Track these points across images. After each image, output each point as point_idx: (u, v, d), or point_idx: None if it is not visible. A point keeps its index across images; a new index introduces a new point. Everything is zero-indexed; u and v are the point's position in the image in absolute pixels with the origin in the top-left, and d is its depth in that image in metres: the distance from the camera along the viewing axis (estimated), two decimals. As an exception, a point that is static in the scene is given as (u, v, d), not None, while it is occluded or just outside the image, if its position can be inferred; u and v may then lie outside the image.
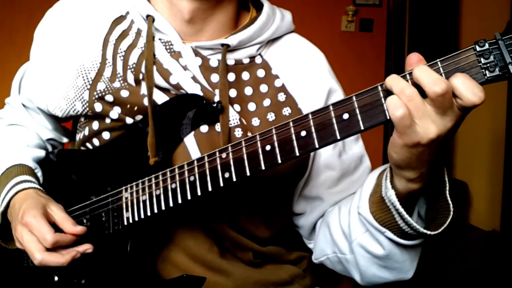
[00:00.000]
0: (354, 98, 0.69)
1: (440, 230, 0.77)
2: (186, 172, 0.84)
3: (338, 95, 1.01)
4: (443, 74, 0.65)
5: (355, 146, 1.02)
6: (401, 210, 0.76)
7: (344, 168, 0.99)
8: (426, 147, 0.66)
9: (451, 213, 0.77)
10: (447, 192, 0.77)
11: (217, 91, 0.92)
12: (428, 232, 0.77)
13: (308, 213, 1.02)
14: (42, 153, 1.08)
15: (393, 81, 0.66)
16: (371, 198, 0.82)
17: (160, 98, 0.94)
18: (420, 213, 0.82)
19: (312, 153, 0.97)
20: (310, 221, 1.02)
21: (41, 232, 0.86)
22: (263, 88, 0.97)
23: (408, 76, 0.66)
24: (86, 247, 0.89)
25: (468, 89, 0.62)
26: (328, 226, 0.96)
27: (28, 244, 0.87)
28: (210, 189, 0.81)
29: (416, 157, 0.68)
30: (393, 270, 0.87)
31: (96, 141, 0.99)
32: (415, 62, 0.66)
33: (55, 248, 0.87)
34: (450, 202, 0.77)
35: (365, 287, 0.95)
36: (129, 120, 0.95)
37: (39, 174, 1.04)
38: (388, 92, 0.67)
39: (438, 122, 0.65)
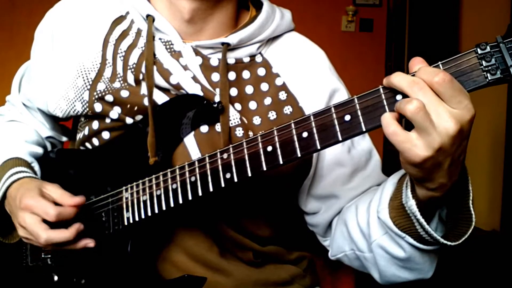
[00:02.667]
0: (356, 100, 0.69)
1: (460, 241, 0.76)
2: (187, 173, 0.84)
3: (341, 93, 1.00)
4: None
5: (363, 141, 1.01)
6: (422, 220, 0.75)
7: (355, 163, 0.99)
8: (436, 158, 0.64)
9: (473, 223, 0.75)
10: (470, 202, 0.76)
11: (217, 90, 0.92)
12: (448, 243, 0.76)
13: (323, 211, 1.01)
14: (39, 150, 1.08)
15: (401, 79, 0.64)
16: (391, 203, 0.81)
17: (160, 98, 0.94)
18: (441, 215, 0.81)
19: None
20: (326, 219, 1.01)
21: (42, 209, 0.87)
22: (264, 86, 0.97)
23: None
24: (88, 241, 0.90)
25: (428, 75, 0.63)
26: (345, 224, 0.95)
27: (31, 226, 0.88)
28: (211, 189, 0.81)
29: (428, 171, 0.67)
30: (413, 271, 0.86)
31: (96, 141, 0.99)
32: (418, 65, 0.66)
33: (58, 226, 0.88)
34: (473, 212, 0.76)
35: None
36: (129, 120, 0.95)
37: (36, 168, 1.04)
38: (390, 94, 0.67)
39: (436, 132, 0.63)
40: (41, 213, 0.87)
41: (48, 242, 0.87)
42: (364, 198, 0.93)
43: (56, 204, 0.90)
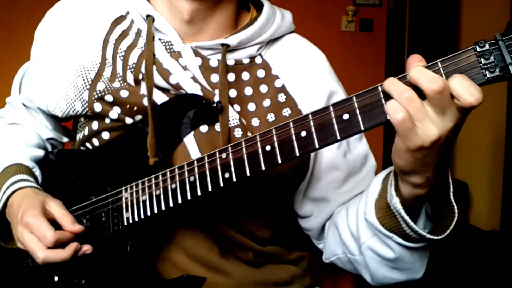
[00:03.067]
0: (354, 98, 0.69)
1: (445, 234, 0.76)
2: (186, 172, 0.84)
3: (339, 96, 1.00)
4: (443, 75, 0.65)
5: (359, 145, 1.01)
6: (407, 218, 0.76)
7: (350, 167, 0.99)
8: (429, 149, 0.66)
9: (456, 215, 0.76)
10: (451, 194, 0.77)
11: (217, 91, 0.92)
12: (434, 237, 0.76)
13: (315, 215, 1.01)
14: (41, 153, 1.08)
15: (391, 84, 0.65)
16: (377, 204, 0.81)
17: (160, 98, 0.94)
18: (427, 210, 0.82)
19: (313, 154, 0.97)
20: (319, 222, 1.02)
21: (42, 232, 0.87)
22: (263, 88, 0.97)
23: (407, 77, 0.66)
24: (86, 248, 0.90)
25: (465, 90, 0.62)
26: (336, 227, 0.95)
27: (29, 244, 0.87)
28: (210, 189, 0.81)
29: (420, 161, 0.68)
30: (404, 271, 0.86)
31: (95, 141, 0.99)
32: (416, 62, 0.66)
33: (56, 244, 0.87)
34: (454, 204, 0.76)
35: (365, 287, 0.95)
36: (128, 120, 0.95)
37: (37, 173, 1.04)
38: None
39: (438, 123, 0.64)
40: (39, 235, 0.87)
41: (45, 261, 0.87)
42: (354, 201, 0.94)
43: (56, 222, 0.90)
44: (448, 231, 0.76)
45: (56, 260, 0.87)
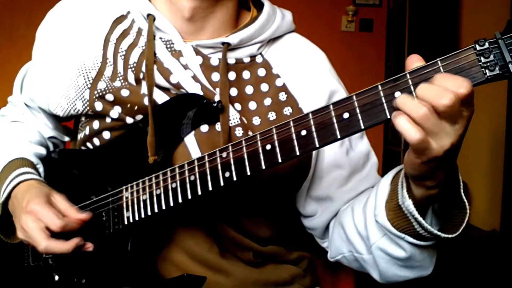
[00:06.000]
0: (354, 97, 0.69)
1: (460, 231, 0.77)
2: (186, 172, 0.84)
3: (341, 95, 1.00)
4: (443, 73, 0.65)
5: (361, 143, 1.02)
6: (420, 219, 0.76)
7: (353, 165, 0.99)
8: (442, 158, 0.66)
9: (468, 211, 0.77)
10: (462, 191, 0.77)
11: (217, 90, 0.92)
12: (449, 236, 0.77)
13: (319, 214, 1.02)
14: (43, 151, 1.09)
15: (404, 102, 0.64)
16: (387, 205, 0.82)
17: (161, 97, 0.94)
18: (434, 208, 0.82)
19: (315, 153, 0.97)
20: (323, 221, 1.02)
21: (49, 217, 0.88)
22: (264, 87, 0.97)
23: (408, 76, 0.66)
24: (88, 245, 0.90)
25: (457, 87, 0.62)
26: (342, 226, 0.95)
27: (33, 232, 0.88)
28: (210, 188, 0.81)
29: (434, 168, 0.69)
30: (414, 269, 0.87)
31: (96, 141, 1.00)
32: (415, 62, 0.66)
33: (58, 237, 0.88)
34: (466, 201, 0.77)
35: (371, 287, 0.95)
36: (129, 120, 0.95)
37: (41, 169, 1.04)
38: (388, 91, 0.67)
39: (452, 133, 0.65)
40: (47, 221, 0.88)
41: (46, 251, 0.87)
42: (359, 200, 0.94)
43: (61, 215, 0.90)
44: (462, 228, 0.77)
45: (58, 251, 0.87)
